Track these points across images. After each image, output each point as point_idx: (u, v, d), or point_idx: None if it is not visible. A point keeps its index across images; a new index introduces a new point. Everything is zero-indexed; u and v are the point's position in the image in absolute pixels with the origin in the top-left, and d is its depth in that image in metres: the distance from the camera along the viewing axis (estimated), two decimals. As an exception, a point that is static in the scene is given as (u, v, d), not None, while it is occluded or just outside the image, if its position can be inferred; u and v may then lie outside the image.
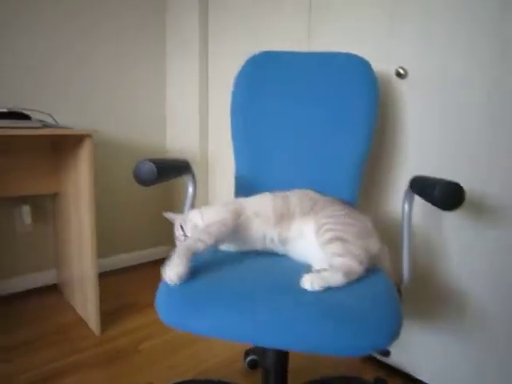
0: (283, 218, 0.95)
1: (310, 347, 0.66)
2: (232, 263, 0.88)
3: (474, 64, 1.11)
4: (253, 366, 1.37)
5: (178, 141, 2.28)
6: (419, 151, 1.25)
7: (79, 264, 1.64)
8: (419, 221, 1.26)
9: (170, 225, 2.48)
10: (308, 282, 0.74)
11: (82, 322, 1.65)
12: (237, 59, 1.90)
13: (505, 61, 1.05)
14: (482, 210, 1.12)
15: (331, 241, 0.84)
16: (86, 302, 1.61)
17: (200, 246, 0.82)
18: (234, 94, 1.21)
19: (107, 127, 2.11)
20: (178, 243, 0.96)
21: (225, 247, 0.98)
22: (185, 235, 0.95)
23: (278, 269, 0.86)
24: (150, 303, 1.85)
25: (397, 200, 1.33)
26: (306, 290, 0.73)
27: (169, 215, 1.07)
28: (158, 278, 2.15)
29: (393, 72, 1.28)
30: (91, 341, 1.52)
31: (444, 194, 0.75)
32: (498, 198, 1.10)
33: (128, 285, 2.06)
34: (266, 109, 1.18)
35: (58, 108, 1.91)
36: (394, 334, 0.69)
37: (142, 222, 2.35)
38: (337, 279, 0.76)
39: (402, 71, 1.25)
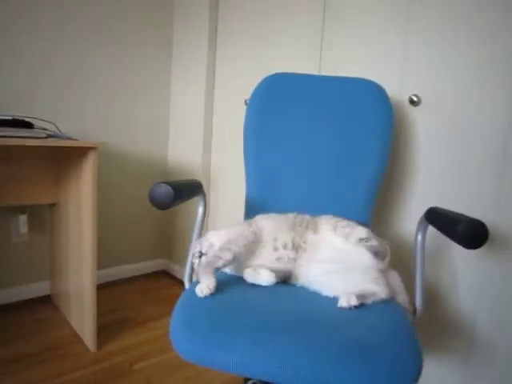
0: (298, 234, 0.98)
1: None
2: (246, 292, 0.86)
3: (487, 91, 1.11)
4: (254, 390, 1.34)
5: (180, 153, 2.26)
6: (430, 177, 1.25)
7: (77, 276, 1.60)
8: (427, 247, 1.26)
9: (167, 238, 2.45)
10: (344, 301, 0.81)
11: (77, 337, 1.60)
12: (244, 75, 1.90)
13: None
14: (494, 240, 1.12)
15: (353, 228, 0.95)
16: (83, 316, 1.56)
17: (220, 262, 0.88)
18: (248, 115, 1.20)
19: (108, 136, 2.08)
20: (194, 260, 0.98)
21: (234, 271, 0.96)
22: (200, 252, 0.96)
23: (295, 298, 0.84)
24: (145, 318, 1.81)
25: (406, 224, 1.32)
26: (331, 325, 0.71)
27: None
28: (153, 291, 2.15)
29: (406, 99, 1.28)
30: (86, 358, 1.47)
31: (467, 233, 0.74)
32: (509, 228, 1.10)
33: (123, 298, 2.01)
34: (280, 131, 1.18)
35: (58, 113, 1.88)
36: (416, 373, 0.67)
37: (138, 233, 2.31)
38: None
39: (415, 98, 1.25)
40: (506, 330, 1.10)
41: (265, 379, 0.65)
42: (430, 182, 1.25)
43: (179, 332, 0.70)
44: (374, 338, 0.69)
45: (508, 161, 1.08)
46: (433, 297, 1.26)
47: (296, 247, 0.95)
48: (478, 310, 1.16)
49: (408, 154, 1.30)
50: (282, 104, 1.18)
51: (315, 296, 0.87)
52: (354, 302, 0.81)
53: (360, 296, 0.83)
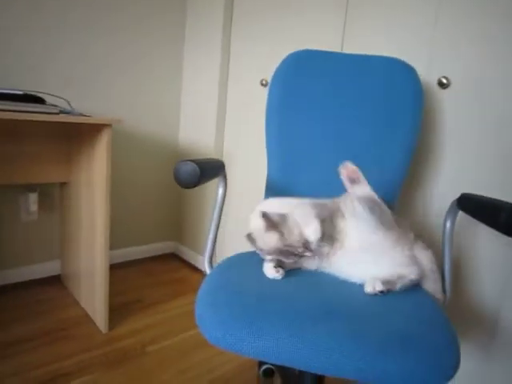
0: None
1: (365, 378, 0.61)
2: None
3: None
4: (268, 374, 1.32)
5: (192, 136, 2.21)
6: (459, 163, 1.21)
7: (89, 256, 1.57)
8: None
9: (176, 220, 2.42)
10: (370, 287, 0.77)
11: (87, 318, 1.58)
12: (260, 56, 1.83)
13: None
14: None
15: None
16: (94, 297, 1.54)
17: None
18: (271, 93, 1.15)
19: (119, 115, 2.04)
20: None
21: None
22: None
23: (324, 285, 0.81)
24: (156, 301, 1.79)
25: (432, 209, 1.28)
26: (364, 314, 0.68)
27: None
28: (162, 273, 2.13)
29: (434, 80, 1.23)
30: (98, 339, 1.46)
31: (511, 221, 0.70)
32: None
33: (132, 280, 1.99)
34: (304, 110, 1.13)
35: (69, 93, 1.83)
36: (456, 365, 0.64)
37: (148, 215, 2.29)
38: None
39: (444, 81, 1.20)
40: (532, 321, 1.08)
41: (297, 367, 0.62)
42: (459, 168, 1.21)
43: (208, 316, 0.67)
44: (412, 328, 0.66)
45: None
46: (455, 285, 1.23)
47: (328, 238, 0.89)
48: (502, 303, 1.13)
49: (436, 139, 1.26)
50: (307, 82, 1.13)
51: (344, 283, 0.84)
52: (379, 287, 0.77)
53: (386, 282, 0.80)
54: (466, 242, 1.20)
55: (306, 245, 0.82)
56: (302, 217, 0.84)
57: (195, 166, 0.79)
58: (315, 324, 0.64)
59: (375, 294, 0.78)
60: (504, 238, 1.12)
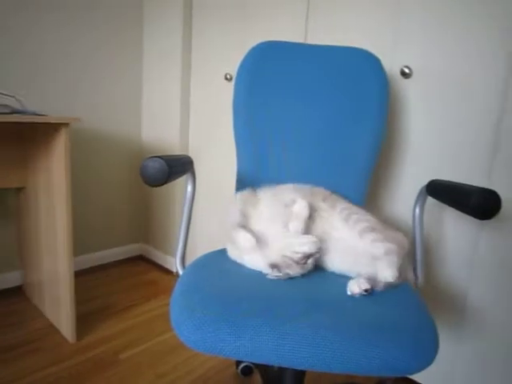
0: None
1: (350, 369, 0.60)
2: (251, 275, 0.80)
3: (477, 64, 1.09)
4: (247, 372, 1.31)
5: (156, 133, 2.15)
6: (422, 152, 1.24)
7: (51, 264, 1.49)
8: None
9: (143, 221, 2.35)
10: (355, 287, 0.74)
11: (53, 329, 1.50)
12: (223, 50, 1.80)
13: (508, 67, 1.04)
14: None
15: (366, 230, 0.85)
16: (59, 306, 1.46)
17: None
18: (236, 86, 1.12)
19: (77, 114, 1.94)
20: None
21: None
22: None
23: (305, 282, 0.80)
24: (126, 305, 1.73)
25: (400, 201, 1.30)
26: (343, 306, 0.67)
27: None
28: (131, 277, 2.06)
29: (397, 70, 1.25)
30: (66, 350, 1.38)
31: (481, 204, 0.71)
32: (504, 199, 1.10)
33: (100, 286, 1.91)
34: (271, 104, 1.11)
35: (20, 91, 1.72)
36: (435, 348, 0.65)
37: (113, 217, 2.20)
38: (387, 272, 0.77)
39: (407, 70, 1.22)
40: (497, 304, 1.12)
41: (281, 364, 0.61)
42: (423, 157, 1.24)
43: (183, 320, 0.64)
44: (392, 316, 0.66)
45: (501, 134, 1.07)
46: (426, 269, 1.26)
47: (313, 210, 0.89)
48: (469, 284, 1.16)
49: (399, 129, 1.28)
50: (272, 74, 1.11)
51: (323, 277, 0.83)
52: (364, 285, 0.73)
53: (371, 279, 0.77)
54: (434, 227, 1.23)
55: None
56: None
57: (163, 162, 0.75)
58: (296, 320, 0.62)
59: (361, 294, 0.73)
60: (469, 222, 1.16)
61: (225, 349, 0.59)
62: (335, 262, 0.87)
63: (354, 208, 0.96)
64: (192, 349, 0.63)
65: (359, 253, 0.84)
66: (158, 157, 0.77)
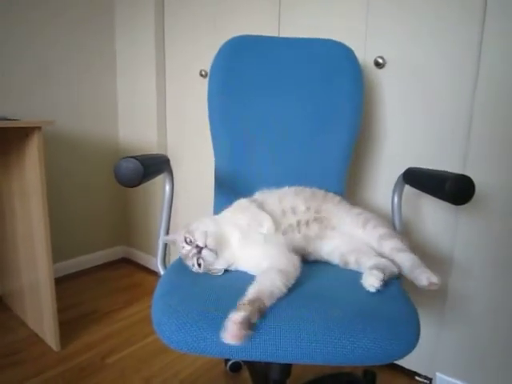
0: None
1: (333, 360, 0.61)
2: (235, 272, 0.80)
3: (449, 52, 1.11)
4: (235, 369, 1.31)
5: (133, 133, 2.11)
6: (399, 139, 1.25)
7: (30, 271, 1.45)
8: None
9: (124, 223, 2.31)
10: (373, 280, 0.70)
11: (37, 338, 1.47)
12: (197, 46, 1.78)
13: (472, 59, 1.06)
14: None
15: (385, 237, 0.83)
16: (41, 314, 1.43)
17: None
18: (211, 82, 1.11)
19: (51, 117, 1.89)
20: (188, 262, 0.81)
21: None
22: (197, 246, 0.80)
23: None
24: (110, 310, 1.70)
25: (381, 190, 1.32)
26: (323, 298, 0.68)
27: (168, 238, 0.92)
28: (114, 280, 2.03)
29: (370, 61, 1.25)
30: (50, 359, 1.35)
31: (456, 189, 0.72)
32: (478, 184, 1.11)
33: (83, 291, 1.88)
34: (245, 99, 1.10)
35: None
36: (417, 335, 0.66)
37: (94, 221, 2.16)
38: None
39: (380, 60, 1.22)
40: (479, 286, 1.14)
41: (268, 360, 0.61)
42: (400, 145, 1.25)
43: (165, 321, 0.63)
44: (374, 304, 0.66)
45: (473, 121, 1.09)
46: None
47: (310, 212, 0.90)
48: (450, 270, 1.18)
49: (376, 118, 1.28)
50: (247, 68, 1.10)
51: (306, 269, 0.83)
52: (381, 276, 0.70)
53: (380, 268, 0.74)
54: (414, 214, 1.25)
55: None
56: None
57: (137, 162, 0.74)
58: (277, 315, 0.62)
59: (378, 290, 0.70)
60: (447, 207, 1.18)
61: (207, 348, 0.59)
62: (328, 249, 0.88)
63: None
64: (175, 350, 0.62)
65: (360, 244, 0.85)
66: (133, 157, 0.75)
